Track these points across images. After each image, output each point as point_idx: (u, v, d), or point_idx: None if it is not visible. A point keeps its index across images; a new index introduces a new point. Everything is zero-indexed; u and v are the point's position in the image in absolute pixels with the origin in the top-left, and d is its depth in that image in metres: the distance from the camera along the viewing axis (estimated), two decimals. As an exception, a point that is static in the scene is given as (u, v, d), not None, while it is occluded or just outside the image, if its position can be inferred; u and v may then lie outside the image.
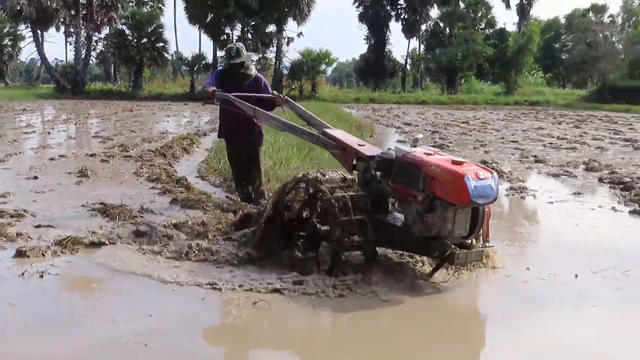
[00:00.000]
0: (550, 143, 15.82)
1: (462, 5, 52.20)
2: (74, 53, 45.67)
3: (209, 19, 46.29)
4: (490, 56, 49.70)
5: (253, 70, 6.33)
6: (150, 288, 3.99)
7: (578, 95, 48.59)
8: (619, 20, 66.65)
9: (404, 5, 50.84)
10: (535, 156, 12.85)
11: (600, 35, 60.92)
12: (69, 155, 11.25)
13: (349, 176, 4.54)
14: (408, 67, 56.81)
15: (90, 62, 52.74)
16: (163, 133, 16.87)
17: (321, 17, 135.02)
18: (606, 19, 66.03)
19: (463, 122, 23.16)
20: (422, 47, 54.71)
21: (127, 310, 3.75)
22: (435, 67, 50.39)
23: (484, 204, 3.81)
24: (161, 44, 46.25)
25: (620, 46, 59.45)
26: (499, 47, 49.82)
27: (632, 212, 7.20)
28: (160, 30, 46.45)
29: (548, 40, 62.92)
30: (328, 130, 5.10)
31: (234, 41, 44.59)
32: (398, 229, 4.15)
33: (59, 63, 64.36)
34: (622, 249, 5.50)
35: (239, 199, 6.37)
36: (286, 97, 6.19)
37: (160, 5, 52.07)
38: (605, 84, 46.22)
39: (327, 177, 4.26)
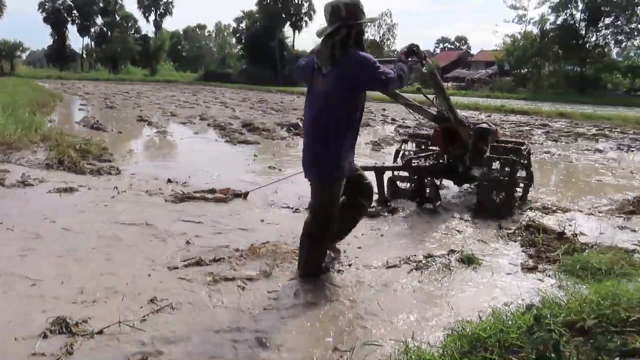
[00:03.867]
0: (180, 104, 18.07)
1: (117, 17, 58.16)
2: None
3: None
4: (139, 52, 56.92)
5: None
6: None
7: (194, 77, 57.29)
8: (213, 34, 79.82)
9: (77, 14, 55.67)
10: (171, 112, 14.63)
11: (203, 42, 75.58)
12: None
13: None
14: (85, 55, 60.73)
15: None
16: None
17: (20, 15, 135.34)
18: (206, 33, 78.93)
19: (125, 92, 25.21)
20: (94, 43, 59.58)
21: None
22: (104, 56, 56.36)
23: None
24: None
25: (214, 49, 75.15)
26: (144, 47, 57.24)
27: (226, 142, 9.00)
28: None
29: (175, 44, 68.19)
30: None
31: None
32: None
33: None
34: (225, 156, 7.33)
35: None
36: None
37: None
38: (207, 71, 58.55)
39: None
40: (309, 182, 2.88)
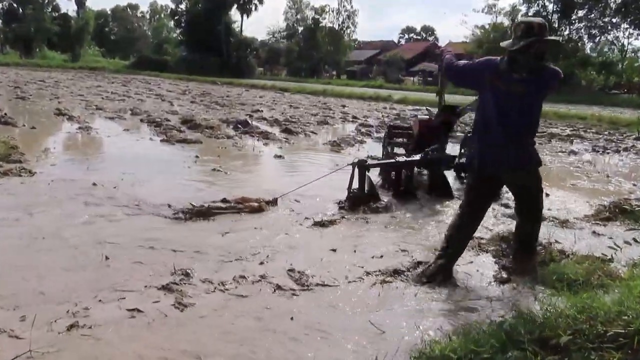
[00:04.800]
0: (107, 96, 17.93)
1: (29, -10, 53.98)
2: None
3: None
4: (58, 33, 54.31)
5: None
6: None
7: (125, 64, 55.05)
8: (147, 15, 77.62)
9: (-23, -13, 51.45)
10: (96, 105, 14.43)
11: (136, 24, 73.63)
12: None
13: None
14: (-11, 37, 56.77)
15: None
16: None
17: None
18: (139, 14, 77.08)
19: (40, 81, 24.63)
20: (1, 21, 55.64)
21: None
22: (14, 37, 53.09)
23: None
24: None
25: (149, 33, 73.06)
26: (64, 28, 54.77)
27: (163, 141, 9.02)
28: None
29: (101, 25, 67.12)
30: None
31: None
32: None
33: None
34: (161, 157, 7.48)
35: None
36: None
37: None
38: (141, 57, 56.73)
39: None
40: (505, 178, 3.53)
